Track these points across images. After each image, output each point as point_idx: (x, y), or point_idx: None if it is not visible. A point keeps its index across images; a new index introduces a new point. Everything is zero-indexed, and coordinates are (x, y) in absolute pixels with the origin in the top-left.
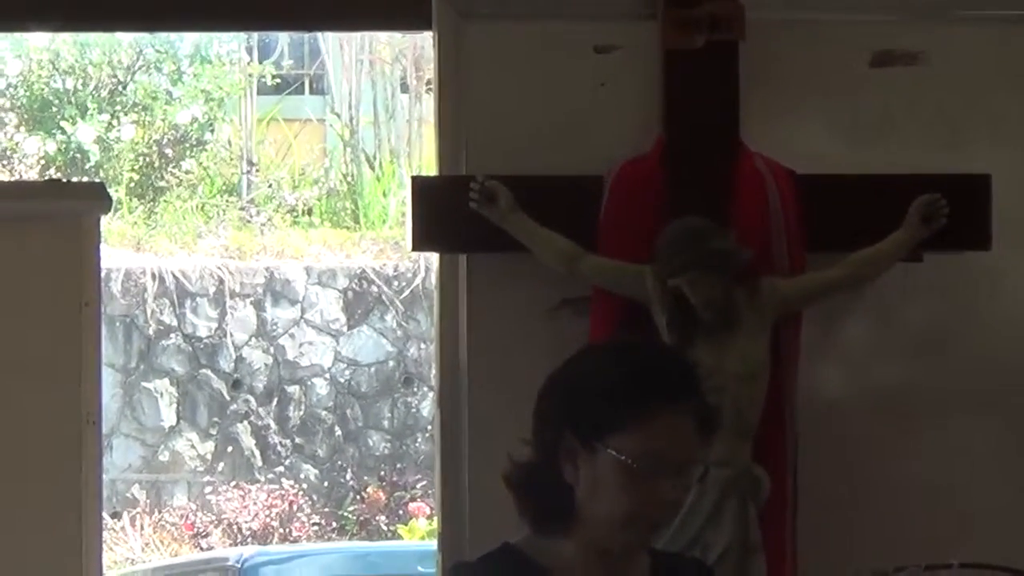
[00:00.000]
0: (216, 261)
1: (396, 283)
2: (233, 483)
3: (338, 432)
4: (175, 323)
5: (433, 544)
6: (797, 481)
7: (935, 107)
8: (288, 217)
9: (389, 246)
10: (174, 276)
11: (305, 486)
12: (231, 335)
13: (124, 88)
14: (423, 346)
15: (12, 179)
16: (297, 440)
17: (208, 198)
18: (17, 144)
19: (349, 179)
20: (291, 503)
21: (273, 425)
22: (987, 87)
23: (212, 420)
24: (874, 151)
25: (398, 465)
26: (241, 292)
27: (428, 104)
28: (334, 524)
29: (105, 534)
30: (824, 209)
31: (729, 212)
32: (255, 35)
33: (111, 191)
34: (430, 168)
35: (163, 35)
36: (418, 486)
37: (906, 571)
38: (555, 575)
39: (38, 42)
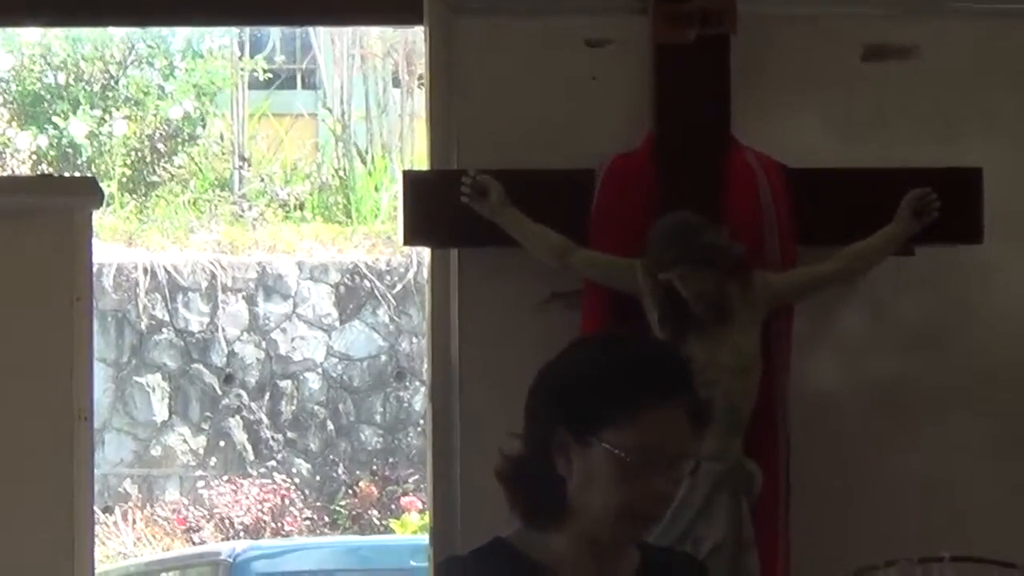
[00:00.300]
0: (208, 256)
1: (388, 278)
2: (225, 477)
3: (330, 427)
4: (167, 318)
5: (425, 538)
6: (789, 476)
7: (928, 101)
8: (280, 212)
9: (381, 241)
10: (166, 271)
11: (297, 480)
12: (223, 330)
13: (116, 83)
14: (415, 340)
15: (4, 174)
16: (289, 435)
17: (200, 193)
18: (9, 139)
19: (341, 174)
20: (283, 497)
21: (265, 420)
22: (980, 81)
23: (204, 415)
24: (867, 146)
25: (390, 459)
26: (233, 287)
27: (420, 99)
28: (326, 518)
29: (97, 529)
30: (815, 203)
31: (720, 206)
32: (247, 30)
33: (103, 186)
34: (422, 162)
35: (155, 30)
36: (410, 480)
37: (897, 565)
38: (546, 569)
39: (30, 37)
